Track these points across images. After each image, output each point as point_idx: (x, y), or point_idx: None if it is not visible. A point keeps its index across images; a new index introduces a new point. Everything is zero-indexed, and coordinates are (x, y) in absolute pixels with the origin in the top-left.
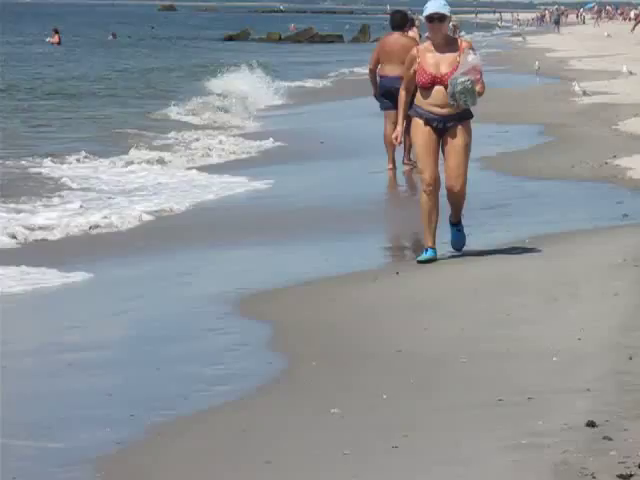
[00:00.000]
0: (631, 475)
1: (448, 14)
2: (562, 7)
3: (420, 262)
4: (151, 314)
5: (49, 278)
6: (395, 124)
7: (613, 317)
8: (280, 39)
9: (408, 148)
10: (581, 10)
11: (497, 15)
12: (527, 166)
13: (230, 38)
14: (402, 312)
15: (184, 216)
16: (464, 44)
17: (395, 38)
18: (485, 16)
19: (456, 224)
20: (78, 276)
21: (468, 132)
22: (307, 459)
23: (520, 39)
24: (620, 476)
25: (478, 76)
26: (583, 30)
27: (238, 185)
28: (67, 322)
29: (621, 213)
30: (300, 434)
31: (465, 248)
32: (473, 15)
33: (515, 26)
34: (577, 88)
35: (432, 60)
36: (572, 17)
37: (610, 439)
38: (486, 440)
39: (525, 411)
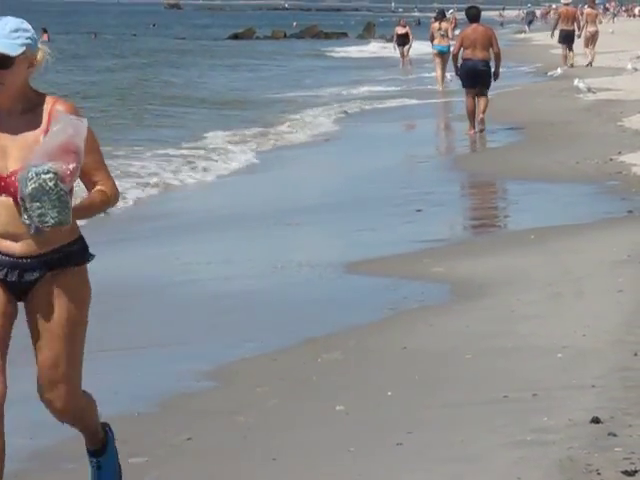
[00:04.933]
0: (636, 471)
1: (16, 54)
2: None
3: None
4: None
5: None
6: (474, 97)
7: (617, 314)
8: (285, 36)
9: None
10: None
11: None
12: (532, 162)
13: (235, 37)
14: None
15: None
16: (58, 105)
17: (474, 27)
18: (490, 13)
19: (94, 454)
20: None
21: (77, 291)
22: (312, 456)
23: (522, 36)
24: (625, 472)
25: (74, 164)
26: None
27: None
28: None
29: (626, 209)
30: (305, 431)
31: (471, 243)
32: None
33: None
34: (581, 85)
35: None
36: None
37: (615, 435)
38: (491, 437)
39: (530, 407)
